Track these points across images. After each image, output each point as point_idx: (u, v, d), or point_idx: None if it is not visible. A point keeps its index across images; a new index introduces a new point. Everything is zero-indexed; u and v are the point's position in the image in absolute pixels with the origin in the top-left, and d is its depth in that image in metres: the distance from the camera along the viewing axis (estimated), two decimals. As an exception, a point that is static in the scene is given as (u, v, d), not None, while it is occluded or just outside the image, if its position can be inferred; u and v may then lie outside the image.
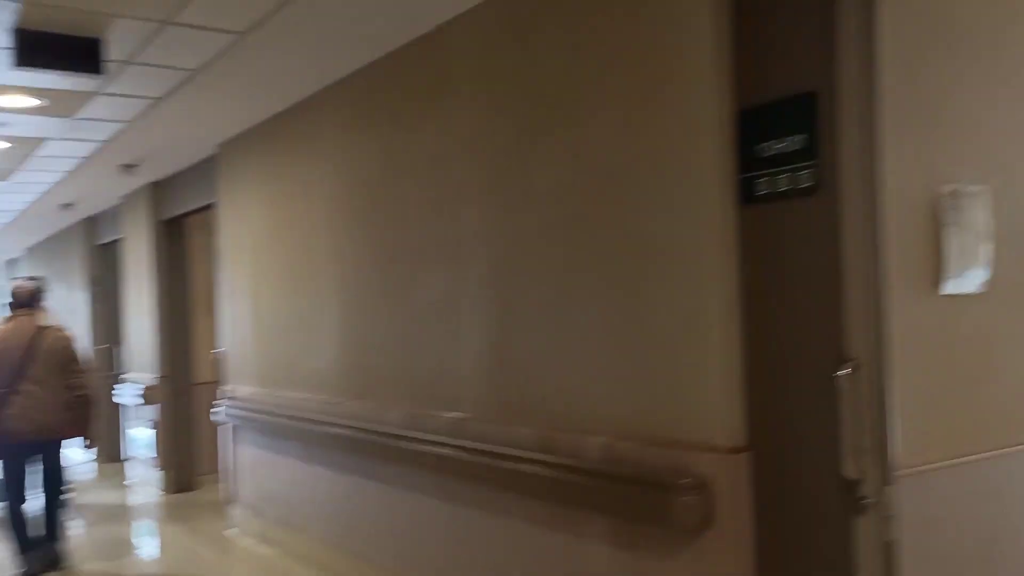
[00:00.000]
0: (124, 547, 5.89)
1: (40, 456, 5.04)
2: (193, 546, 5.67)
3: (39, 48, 3.48)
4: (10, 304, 5.20)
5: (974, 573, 2.46)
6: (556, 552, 3.07)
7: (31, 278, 5.70)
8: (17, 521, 4.95)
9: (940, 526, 2.36)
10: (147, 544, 6.02)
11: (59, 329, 5.17)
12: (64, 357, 5.04)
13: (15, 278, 7.16)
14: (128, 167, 6.48)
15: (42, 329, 5.08)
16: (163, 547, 5.86)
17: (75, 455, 6.53)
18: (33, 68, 3.57)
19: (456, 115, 3.59)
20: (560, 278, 3.04)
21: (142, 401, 7.37)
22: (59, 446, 5.09)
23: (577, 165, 2.96)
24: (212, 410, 6.02)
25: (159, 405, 7.29)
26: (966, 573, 2.44)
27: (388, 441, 3.89)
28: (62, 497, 5.17)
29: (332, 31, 3.69)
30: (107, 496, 7.42)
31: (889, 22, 2.27)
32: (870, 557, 2.21)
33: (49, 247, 10.98)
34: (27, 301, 5.19)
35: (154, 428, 7.39)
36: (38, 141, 5.57)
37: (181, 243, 7.35)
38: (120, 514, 6.83)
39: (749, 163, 2.49)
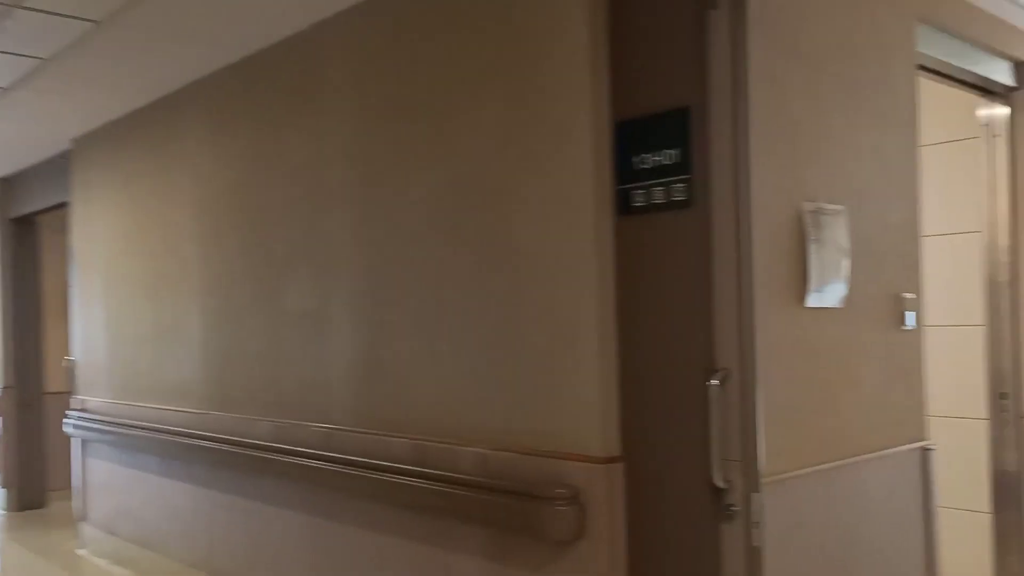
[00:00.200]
0: (-42, 572, 5.44)
1: None
2: (39, 567, 5.29)
3: None
4: None
5: (833, 575, 2.58)
6: (429, 566, 3.02)
7: None
8: None
9: (802, 531, 2.46)
10: (-15, 568, 5.58)
11: None
12: None
13: None
14: (-29, 160, 6.02)
15: None
16: (4, 569, 5.44)
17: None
18: None
19: (329, 118, 3.49)
20: (434, 287, 3.00)
21: (-17, 413, 6.85)
22: None
23: (452, 173, 2.93)
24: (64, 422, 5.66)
25: (2, 418, 6.79)
26: (828, 575, 2.55)
27: (255, 454, 3.75)
28: None
29: (198, 24, 3.52)
30: (-61, 517, 6.85)
31: (757, 45, 2.35)
32: (736, 563, 2.26)
33: None
34: None
35: (-3, 442, 6.88)
36: None
37: (32, 243, 6.93)
38: (-46, 536, 6.31)
39: (626, 175, 2.52)
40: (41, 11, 3.30)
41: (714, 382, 2.27)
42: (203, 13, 3.41)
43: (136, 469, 4.89)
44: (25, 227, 6.84)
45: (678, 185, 2.42)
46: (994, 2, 3.83)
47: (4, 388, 6.79)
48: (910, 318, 2.93)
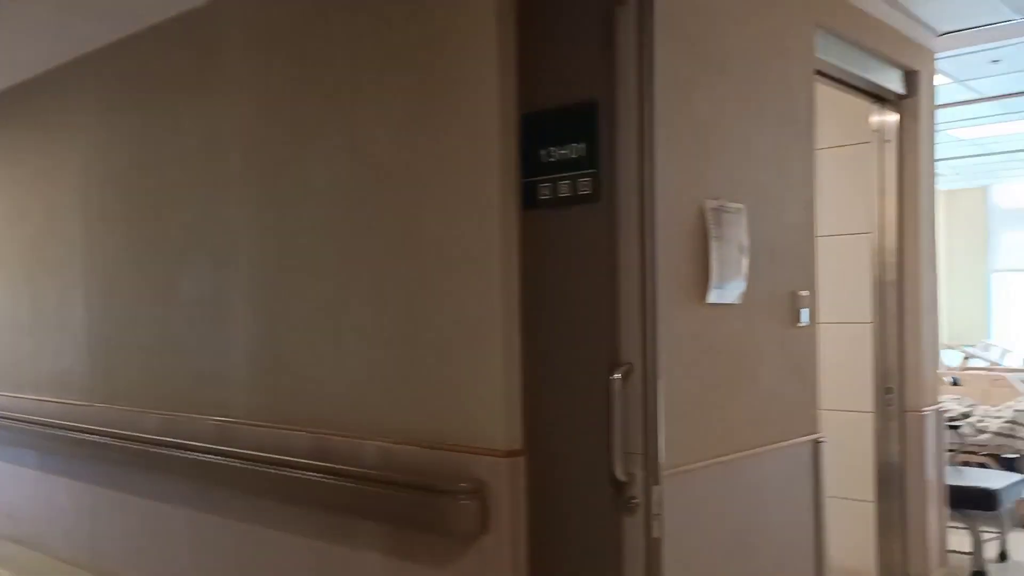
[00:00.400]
0: None
1: None
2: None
3: None
4: None
5: (730, 564, 2.64)
6: (328, 563, 2.95)
7: None
8: None
9: (700, 521, 2.51)
10: None
11: None
12: None
13: None
14: None
15: None
16: None
17: None
18: None
19: (228, 101, 3.36)
20: (338, 278, 2.92)
21: None
22: None
23: (357, 162, 2.86)
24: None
25: None
26: (723, 564, 2.61)
27: (143, 448, 3.59)
28: None
29: (86, -6, 3.33)
30: None
31: (663, 45, 2.37)
32: (636, 554, 2.29)
33: None
34: None
35: None
36: None
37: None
38: None
39: (533, 168, 2.51)
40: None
41: (617, 376, 2.28)
42: (93, -17, 3.23)
43: (9, 463, 4.64)
44: None
45: (584, 179, 2.42)
46: (888, 12, 3.99)
47: None
48: (804, 315, 3.02)
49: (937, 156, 4.57)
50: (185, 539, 3.57)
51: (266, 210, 3.21)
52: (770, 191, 2.92)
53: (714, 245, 2.57)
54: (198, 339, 3.50)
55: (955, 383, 6.97)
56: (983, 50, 5.14)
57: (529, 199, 2.51)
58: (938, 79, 4.73)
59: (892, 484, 4.23)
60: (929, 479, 4.24)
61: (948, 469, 4.66)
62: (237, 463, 3.16)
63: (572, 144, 2.44)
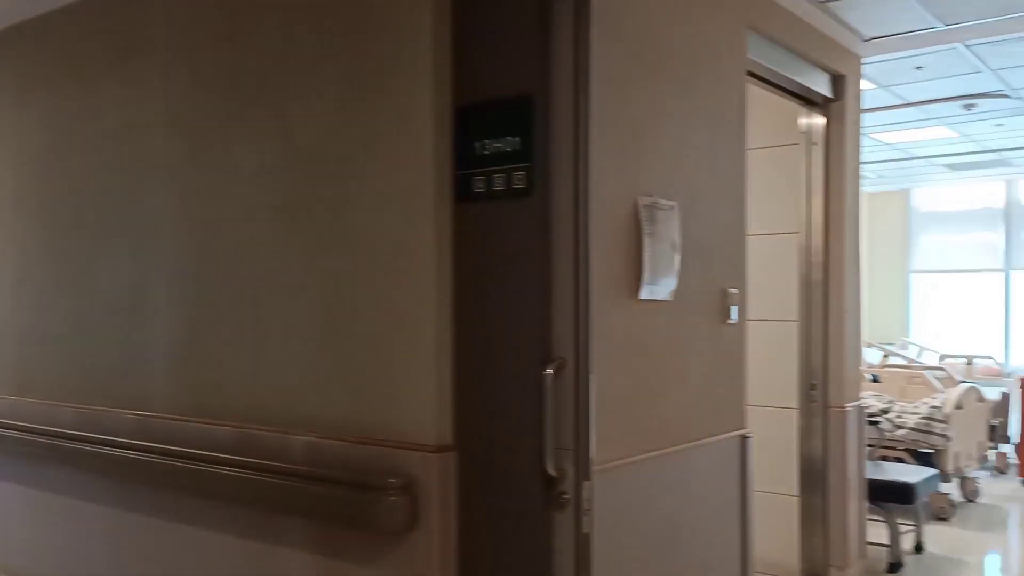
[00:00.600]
0: None
1: None
2: None
3: None
4: None
5: (659, 558, 2.66)
6: (253, 561, 2.87)
7: None
8: None
9: (630, 516, 2.52)
10: None
11: None
12: None
13: None
14: None
15: None
16: None
17: None
18: None
19: (152, 83, 3.24)
20: (265, 268, 2.85)
21: None
22: None
23: (287, 150, 2.79)
24: None
25: None
26: (652, 559, 2.63)
27: (59, 443, 3.44)
28: None
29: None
30: None
31: (599, 41, 2.37)
32: (566, 550, 2.29)
33: None
34: None
35: None
36: None
37: None
38: None
39: (467, 160, 2.48)
40: None
41: (549, 371, 2.27)
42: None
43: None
44: None
45: (518, 173, 2.40)
46: (817, 16, 4.08)
47: None
48: (734, 313, 3.07)
49: (861, 159, 4.70)
50: (103, 538, 3.44)
51: (190, 196, 3.11)
52: (702, 189, 2.95)
53: (647, 242, 2.59)
54: (116, 329, 3.37)
55: (875, 380, 7.19)
56: (907, 56, 5.31)
57: (463, 192, 2.48)
58: (863, 84, 4.87)
59: (815, 478, 4.34)
60: (850, 473, 4.37)
61: (867, 464, 4.80)
62: (158, 458, 3.06)
63: (507, 137, 2.43)
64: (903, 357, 8.74)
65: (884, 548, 4.90)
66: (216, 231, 3.02)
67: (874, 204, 11.40)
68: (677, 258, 2.72)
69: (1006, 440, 7.37)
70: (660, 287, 2.65)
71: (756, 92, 3.74)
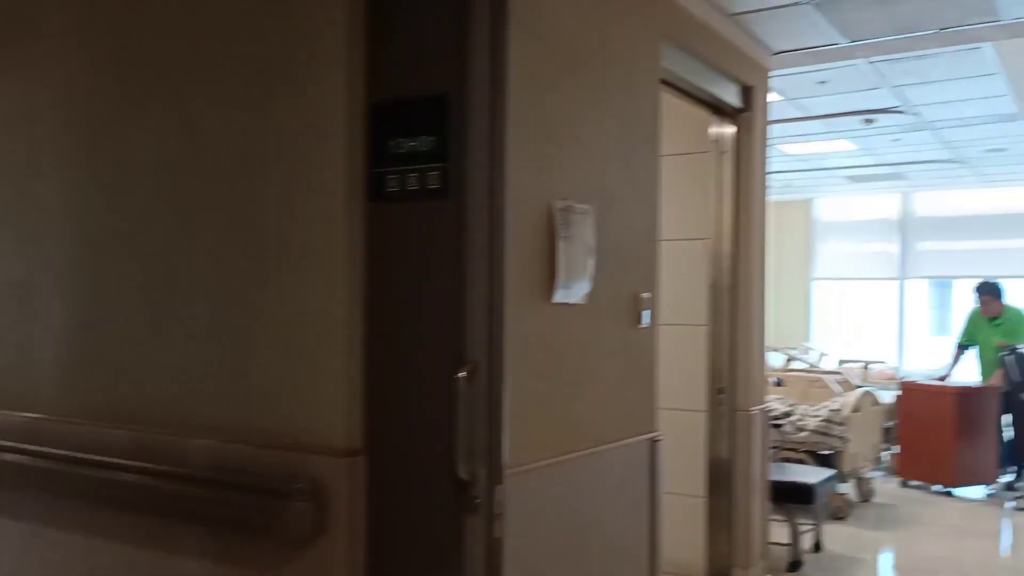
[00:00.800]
0: None
1: None
2: None
3: None
4: None
5: (570, 561, 2.66)
6: (151, 570, 2.75)
7: None
8: None
9: (542, 520, 2.51)
10: None
11: None
12: None
13: None
14: None
15: None
16: None
17: None
18: None
19: (42, 65, 3.07)
20: (164, 266, 2.73)
21: None
22: None
23: (192, 141, 2.67)
24: None
25: None
26: (563, 561, 2.63)
27: (-63, 449, 3.23)
28: None
29: None
30: None
31: (517, 42, 2.36)
32: (477, 554, 2.26)
33: None
34: None
35: None
36: None
37: None
38: None
39: (381, 158, 2.43)
40: None
41: (462, 374, 2.24)
42: None
43: None
44: None
45: (433, 173, 2.36)
46: (729, 28, 4.18)
47: None
48: (646, 317, 3.10)
49: (768, 169, 4.84)
50: (-15, 549, 3.25)
51: (84, 187, 2.95)
52: (616, 194, 2.98)
53: (561, 245, 2.59)
54: (2, 326, 3.19)
55: (778, 384, 7.42)
56: (812, 71, 5.50)
57: (376, 191, 2.43)
58: (770, 96, 5.01)
59: (721, 480, 4.43)
60: (755, 475, 4.48)
61: (771, 465, 4.94)
62: (46, 463, 2.89)
63: (422, 136, 2.38)
64: (805, 362, 9.05)
65: (785, 547, 5.05)
66: (112, 224, 2.88)
67: (779, 213, 11.76)
68: (591, 262, 2.73)
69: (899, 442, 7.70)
70: (574, 291, 2.65)
71: (668, 100, 3.80)
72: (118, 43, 2.87)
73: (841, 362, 9.45)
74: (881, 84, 5.87)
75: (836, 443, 6.24)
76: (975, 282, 7.71)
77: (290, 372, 2.46)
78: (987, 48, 4.95)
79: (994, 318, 7.43)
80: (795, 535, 5.07)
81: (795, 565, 5.01)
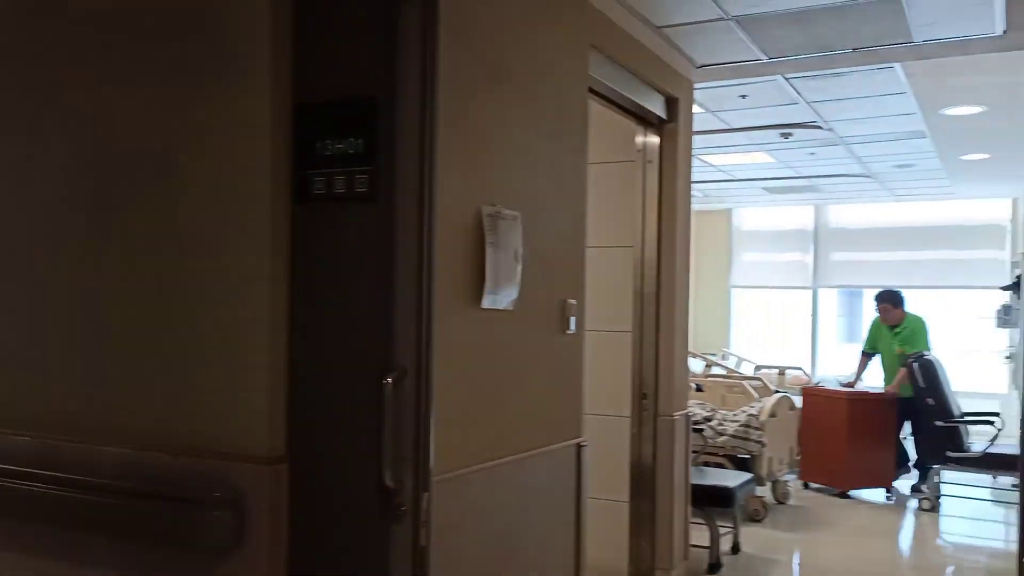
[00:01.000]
0: None
1: None
2: None
3: None
4: None
5: (496, 567, 2.65)
6: (57, 584, 2.63)
7: None
8: None
9: (468, 527, 2.50)
10: None
11: None
12: None
13: None
14: None
15: None
16: None
17: None
18: None
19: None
20: (75, 266, 2.62)
21: None
22: None
23: (106, 138, 2.57)
24: None
25: None
26: (489, 568, 2.62)
27: None
28: None
29: None
30: None
31: (446, 47, 2.34)
32: (403, 563, 2.23)
33: None
34: None
35: None
36: None
37: None
38: None
39: (307, 160, 2.39)
40: None
41: (389, 381, 2.22)
42: None
43: None
44: None
45: (361, 176, 2.33)
46: (656, 41, 4.25)
47: None
48: (573, 323, 3.12)
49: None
50: None
51: (-6, 186, 2.82)
52: (545, 201, 2.99)
53: (490, 251, 2.59)
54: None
55: (699, 389, 7.57)
56: (734, 84, 5.64)
57: (302, 193, 2.38)
58: (694, 108, 5.12)
59: (644, 484, 4.49)
60: (677, 479, 4.56)
61: (692, 469, 5.03)
62: (-54, 475, 2.75)
63: (350, 139, 2.35)
64: (724, 367, 9.26)
65: (705, 549, 5.15)
66: (19, 222, 2.75)
67: (700, 222, 12.02)
68: (519, 268, 2.73)
69: (812, 446, 7.93)
70: (502, 297, 2.65)
71: (595, 109, 3.84)
72: (30, 33, 2.74)
73: (758, 368, 9.71)
74: (798, 100, 6.06)
75: (754, 447, 6.40)
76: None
77: (210, 378, 2.39)
78: (898, 68, 5.16)
79: (894, 326, 7.64)
80: (715, 537, 5.17)
81: (715, 567, 5.11)
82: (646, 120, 4.49)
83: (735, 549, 5.51)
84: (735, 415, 6.66)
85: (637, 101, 4.21)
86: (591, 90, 3.57)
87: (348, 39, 2.37)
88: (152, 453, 2.44)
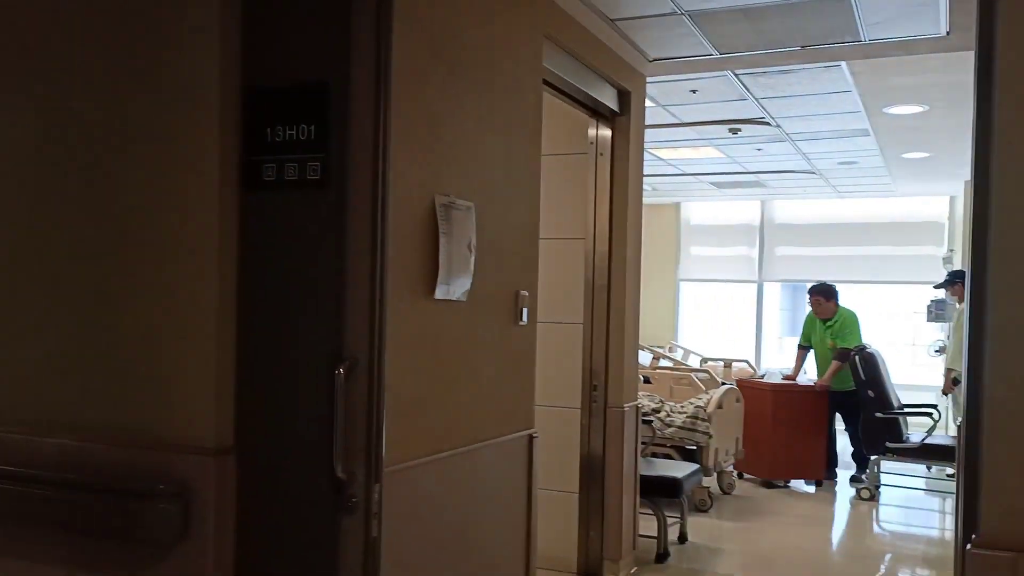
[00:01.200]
0: None
1: None
2: None
3: None
4: None
5: (447, 558, 2.64)
6: (-7, 580, 2.55)
7: None
8: None
9: (420, 518, 2.48)
10: None
11: None
12: None
13: None
14: None
15: None
16: None
17: None
18: None
19: None
20: (14, 253, 2.54)
21: None
22: None
23: (51, 126, 2.49)
24: None
25: None
26: (440, 558, 2.61)
27: None
28: None
29: None
30: None
31: (400, 34, 2.31)
32: (354, 555, 2.21)
33: None
34: None
35: None
36: None
37: None
38: None
39: (258, 147, 2.34)
40: None
41: (340, 371, 2.19)
42: None
43: None
44: None
45: (312, 163, 2.29)
46: (609, 34, 4.26)
47: None
48: (525, 314, 3.12)
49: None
50: None
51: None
52: (498, 191, 2.98)
53: (443, 241, 2.57)
54: None
55: (647, 381, 7.63)
56: (685, 79, 5.68)
57: (251, 179, 2.34)
58: (646, 102, 5.15)
59: (594, 475, 4.52)
60: (626, 470, 4.59)
61: (640, 460, 5.08)
62: None
63: (301, 125, 2.31)
64: (672, 359, 9.36)
65: (653, 539, 5.21)
66: (-42, 208, 2.65)
67: (649, 215, 12.11)
68: (472, 259, 2.72)
69: (757, 436, 8.07)
70: (455, 287, 2.64)
71: (548, 100, 3.84)
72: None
73: (704, 360, 9.84)
74: (747, 96, 6.14)
75: (701, 438, 6.49)
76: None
77: (155, 367, 2.34)
78: (844, 67, 5.26)
79: (826, 319, 7.77)
80: (662, 528, 5.23)
81: (662, 556, 5.17)
82: (599, 112, 4.51)
83: (682, 538, 5.59)
84: (683, 407, 6.74)
85: (590, 93, 4.22)
86: (545, 81, 3.57)
87: (300, 23, 2.32)
88: (94, 445, 2.38)
